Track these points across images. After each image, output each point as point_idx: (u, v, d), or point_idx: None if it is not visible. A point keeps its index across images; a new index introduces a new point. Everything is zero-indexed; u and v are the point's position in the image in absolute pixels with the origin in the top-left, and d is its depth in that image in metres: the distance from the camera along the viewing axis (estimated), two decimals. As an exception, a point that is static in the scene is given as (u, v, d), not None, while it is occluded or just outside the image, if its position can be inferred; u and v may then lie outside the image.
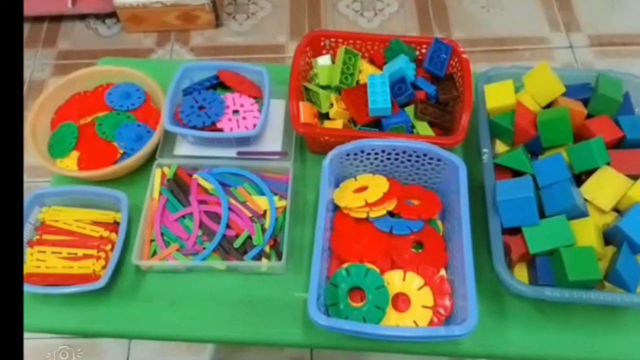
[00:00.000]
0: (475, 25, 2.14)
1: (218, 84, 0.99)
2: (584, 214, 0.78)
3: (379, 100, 0.89)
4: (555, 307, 0.82)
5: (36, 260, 0.85)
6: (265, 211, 0.89)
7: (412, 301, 0.79)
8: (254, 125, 0.94)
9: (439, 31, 2.11)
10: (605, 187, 0.80)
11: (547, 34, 2.11)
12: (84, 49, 2.11)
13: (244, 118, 0.95)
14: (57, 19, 2.18)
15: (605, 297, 0.73)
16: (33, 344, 1.44)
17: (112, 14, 2.11)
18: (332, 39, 1.02)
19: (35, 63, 2.06)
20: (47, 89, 0.98)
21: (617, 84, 0.89)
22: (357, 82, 0.97)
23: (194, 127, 0.92)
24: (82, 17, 2.18)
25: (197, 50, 2.07)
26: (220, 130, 0.93)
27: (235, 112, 0.96)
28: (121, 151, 0.94)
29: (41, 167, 0.92)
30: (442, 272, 0.82)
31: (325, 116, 0.97)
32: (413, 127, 0.93)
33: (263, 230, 0.87)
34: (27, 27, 2.16)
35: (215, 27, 2.13)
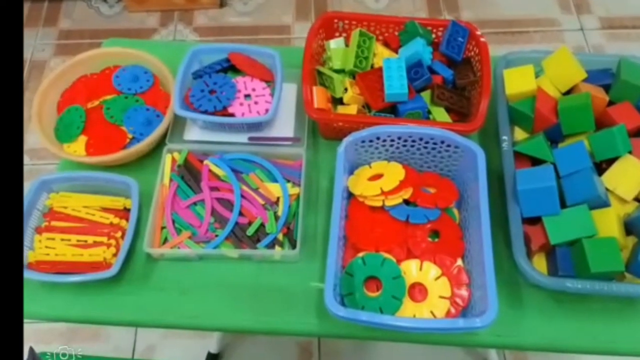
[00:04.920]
0: (484, 6, 2.10)
1: (229, 67, 0.96)
2: (605, 204, 0.77)
3: (396, 85, 0.86)
4: (573, 298, 0.81)
5: (45, 247, 0.84)
6: (278, 198, 0.88)
7: (429, 291, 0.78)
8: (266, 110, 0.91)
9: (447, 12, 2.07)
10: (627, 176, 0.79)
11: (558, 15, 2.07)
12: (86, 28, 2.07)
13: (256, 103, 0.92)
14: (58, -3, 2.13)
15: (627, 288, 0.71)
16: (35, 328, 1.44)
17: (114, -7, 2.07)
18: (346, 21, 0.99)
19: (36, 43, 2.03)
20: (53, 71, 0.95)
21: (639, 69, 0.87)
22: (372, 66, 0.95)
23: (205, 112, 0.90)
24: (84, -5, 2.14)
25: (201, 30, 2.04)
26: (232, 115, 0.91)
27: (247, 96, 0.93)
28: (130, 136, 0.92)
29: (45, 149, 0.90)
30: (459, 261, 0.81)
31: (339, 101, 0.94)
32: (429, 112, 0.91)
33: (276, 217, 0.86)
34: (27, 5, 2.12)
35: (219, 7, 2.08)
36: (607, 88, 0.88)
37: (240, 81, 0.94)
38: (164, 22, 2.06)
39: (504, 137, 0.84)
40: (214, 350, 1.43)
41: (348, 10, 2.06)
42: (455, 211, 0.87)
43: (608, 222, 0.75)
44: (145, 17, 2.07)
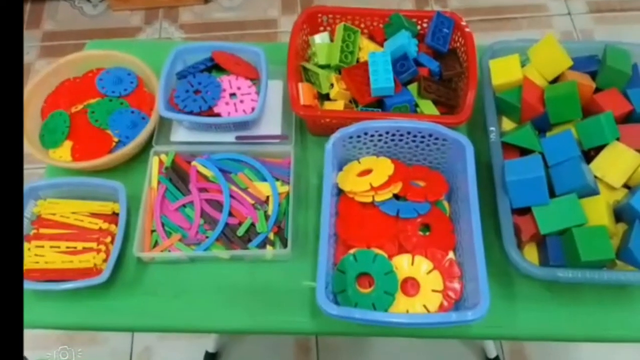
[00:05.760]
0: (471, -6, 2.09)
1: (213, 66, 0.95)
2: (594, 192, 0.77)
3: (382, 79, 0.86)
4: (565, 287, 0.81)
5: (34, 255, 0.83)
6: (267, 197, 0.87)
7: (421, 285, 0.78)
8: (252, 109, 0.91)
9: (434, 1, 2.06)
10: (616, 164, 0.78)
11: (545, 0, 2.06)
12: (70, 29, 2.04)
13: (242, 101, 0.92)
14: (41, -2, 2.10)
15: (619, 276, 0.72)
16: (32, 333, 1.43)
17: (97, -8, 2.04)
18: (330, 15, 0.98)
19: (20, 46, 2.00)
20: (35, 76, 0.93)
21: (625, 55, 0.87)
22: (357, 60, 0.94)
23: (190, 112, 0.89)
24: (67, -5, 2.11)
25: (187, 27, 2.02)
26: (218, 115, 0.90)
27: (232, 95, 0.92)
28: (116, 139, 0.91)
29: (31, 154, 0.89)
30: (451, 254, 0.81)
31: (325, 97, 0.94)
32: (417, 105, 0.90)
33: (266, 217, 0.85)
34: (9, 8, 2.09)
35: (204, 3, 2.06)
36: (593, 75, 0.88)
37: (225, 80, 0.93)
38: (149, 20, 2.04)
39: (492, 128, 0.83)
40: (211, 349, 1.43)
41: (334, 1, 2.06)
42: (446, 204, 0.87)
43: (598, 210, 0.75)
44: (130, 16, 2.05)
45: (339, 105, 0.91)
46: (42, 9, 2.09)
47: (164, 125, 0.94)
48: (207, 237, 0.84)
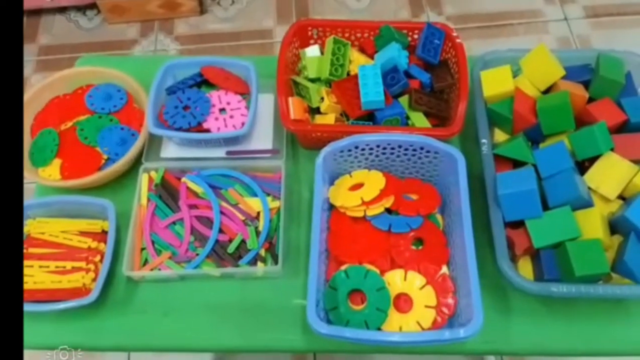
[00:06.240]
0: (466, 1, 2.08)
1: (202, 82, 0.95)
2: (588, 204, 0.75)
3: (371, 93, 0.85)
4: (561, 301, 0.80)
5: (24, 275, 0.82)
6: (258, 213, 0.86)
7: (414, 301, 0.76)
8: (242, 124, 0.90)
9: (429, 8, 2.05)
10: (610, 175, 0.77)
11: (541, 6, 2.05)
12: (66, 43, 2.04)
13: (231, 116, 0.91)
14: (37, 12, 2.10)
15: (614, 290, 0.70)
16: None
17: (93, 5, 2.04)
18: (320, 28, 0.97)
19: (16, 60, 2.00)
20: (25, 93, 0.93)
21: (618, 64, 0.86)
22: (348, 73, 0.93)
23: (180, 129, 0.88)
24: (62, 9, 2.11)
25: (182, 39, 2.01)
26: (207, 130, 0.90)
27: (222, 110, 0.92)
28: (105, 156, 0.90)
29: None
30: (444, 268, 0.80)
31: (316, 110, 0.93)
32: (408, 118, 0.89)
33: (257, 233, 0.84)
34: (5, 22, 2.09)
35: (199, 14, 2.06)
36: (587, 84, 0.87)
37: (214, 95, 0.92)
38: (145, 33, 2.04)
39: (483, 141, 0.82)
40: (209, 364, 1.41)
41: (330, 10, 2.07)
42: (439, 217, 0.86)
43: (592, 223, 0.74)
44: (125, 29, 2.05)
45: (329, 118, 0.90)
46: (38, 22, 2.10)
47: (154, 141, 0.93)
48: (197, 255, 0.83)
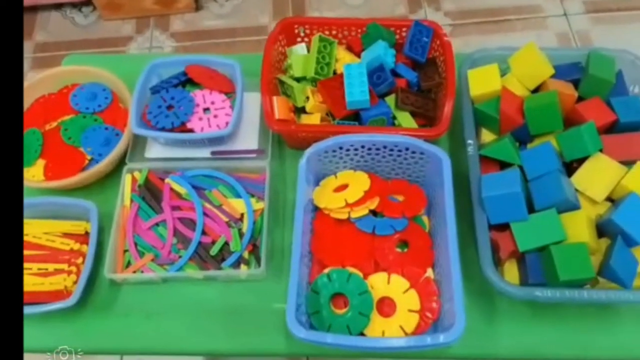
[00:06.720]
0: (465, -4, 2.06)
1: (187, 81, 0.94)
2: (575, 207, 0.74)
3: (356, 92, 0.84)
4: (547, 305, 0.78)
5: (5, 277, 0.81)
6: (242, 214, 0.85)
7: (397, 305, 0.75)
8: (227, 124, 0.89)
9: (427, 4, 2.02)
10: (598, 177, 0.76)
11: (541, 2, 2.02)
12: (62, 40, 2.03)
13: (215, 116, 0.90)
14: (32, 9, 2.10)
15: (600, 295, 0.69)
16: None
17: (89, 2, 2.03)
18: (307, 26, 0.96)
19: (12, 57, 1.99)
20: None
21: (609, 62, 0.84)
22: (335, 72, 0.92)
23: (163, 129, 0.87)
24: (58, 6, 2.10)
25: (178, 35, 2.00)
26: (191, 130, 0.88)
27: (206, 110, 0.90)
28: (89, 157, 0.90)
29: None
30: (429, 271, 0.78)
31: (302, 110, 0.91)
32: (394, 118, 0.88)
33: (241, 235, 0.83)
34: (1, 19, 2.09)
35: (195, 11, 2.05)
36: (576, 83, 0.85)
37: (198, 94, 0.91)
38: (140, 30, 2.03)
39: (469, 141, 0.81)
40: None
41: (327, 6, 2.05)
42: (425, 219, 0.84)
43: (578, 226, 0.72)
44: (121, 25, 2.04)
45: (315, 118, 0.89)
46: (34, 19, 2.09)
47: (139, 141, 0.92)
48: (180, 257, 0.82)
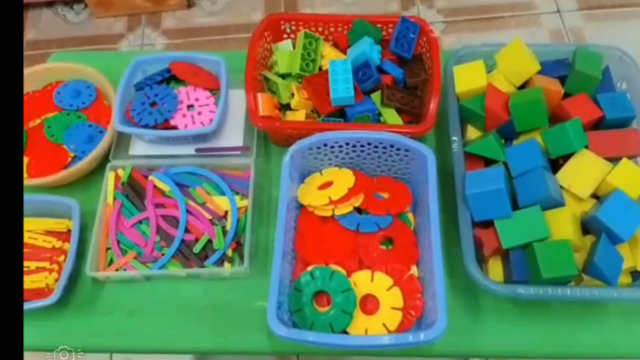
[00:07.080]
0: (458, -8, 2.05)
1: (171, 77, 0.93)
2: (559, 204, 0.73)
3: (341, 89, 0.83)
4: (532, 302, 0.78)
5: (-14, 276, 0.80)
6: (226, 212, 0.85)
7: (381, 303, 0.75)
8: (211, 120, 0.88)
9: (420, 1, 2.02)
10: (583, 173, 0.75)
11: (534, -2, 2.02)
12: (53, 37, 2.02)
13: (200, 113, 0.89)
14: (24, 6, 2.08)
15: (583, 293, 0.68)
16: None
17: (80, -1, 2.03)
18: (292, 22, 0.95)
19: (2, 55, 1.98)
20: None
21: (595, 59, 0.83)
22: (320, 68, 0.91)
23: (146, 126, 0.87)
24: (49, 3, 2.09)
25: (169, 33, 1.99)
26: (175, 127, 0.88)
27: (190, 106, 0.90)
28: (72, 154, 0.89)
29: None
30: (413, 269, 0.78)
31: (287, 106, 0.91)
32: (380, 114, 0.87)
33: (224, 232, 0.83)
34: (-8, 17, 2.07)
35: (187, 8, 2.04)
36: (563, 79, 0.84)
37: (182, 91, 0.90)
38: (132, 27, 2.02)
39: (454, 138, 0.80)
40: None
41: (320, 3, 2.04)
42: (410, 216, 0.84)
43: (563, 223, 0.71)
44: (112, 23, 2.03)
45: (300, 115, 0.88)
46: (26, 17, 2.08)
47: (123, 138, 0.91)
48: (163, 255, 0.82)
